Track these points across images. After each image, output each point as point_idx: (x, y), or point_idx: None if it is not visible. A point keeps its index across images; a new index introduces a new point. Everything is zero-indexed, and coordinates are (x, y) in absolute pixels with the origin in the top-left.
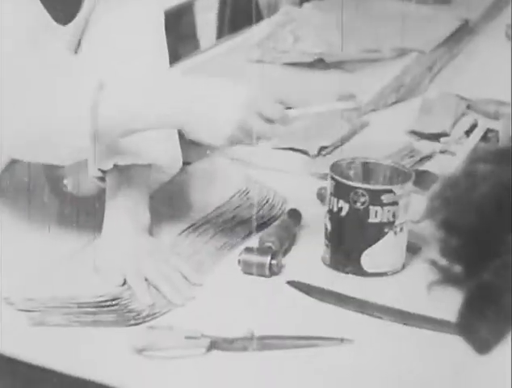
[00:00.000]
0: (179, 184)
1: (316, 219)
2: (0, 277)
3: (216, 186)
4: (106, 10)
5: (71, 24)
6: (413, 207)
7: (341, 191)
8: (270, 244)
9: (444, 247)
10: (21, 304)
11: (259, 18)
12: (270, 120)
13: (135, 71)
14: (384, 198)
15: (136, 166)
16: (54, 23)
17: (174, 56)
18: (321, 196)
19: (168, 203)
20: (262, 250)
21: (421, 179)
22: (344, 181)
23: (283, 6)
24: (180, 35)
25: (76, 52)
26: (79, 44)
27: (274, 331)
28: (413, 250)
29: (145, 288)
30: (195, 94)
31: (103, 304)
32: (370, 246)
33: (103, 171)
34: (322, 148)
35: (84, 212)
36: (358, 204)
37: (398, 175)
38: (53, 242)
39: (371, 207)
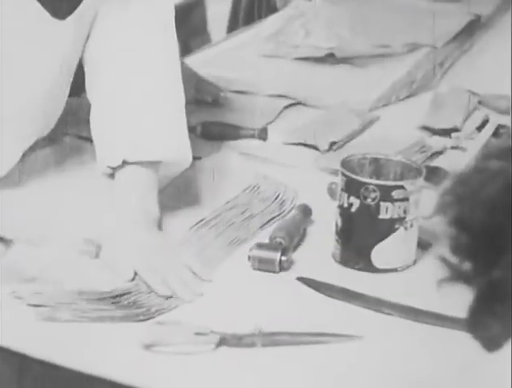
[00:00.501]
0: (189, 179)
1: (326, 215)
2: (9, 270)
3: (227, 181)
4: (113, 5)
5: (70, 18)
6: (424, 203)
7: (351, 186)
8: (280, 240)
9: (454, 244)
10: (30, 299)
11: (273, 10)
12: None
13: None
14: (395, 194)
15: (146, 161)
16: (52, 19)
17: (185, 50)
18: (331, 192)
19: (178, 198)
20: (272, 246)
21: (432, 174)
22: (355, 177)
23: (294, 0)
24: (191, 28)
25: (84, 47)
26: (87, 39)
27: (283, 327)
28: (423, 246)
29: (160, 281)
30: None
31: (112, 299)
32: (380, 242)
33: (112, 168)
34: (333, 143)
35: None
36: (369, 200)
37: (409, 170)
38: None
39: (381, 203)
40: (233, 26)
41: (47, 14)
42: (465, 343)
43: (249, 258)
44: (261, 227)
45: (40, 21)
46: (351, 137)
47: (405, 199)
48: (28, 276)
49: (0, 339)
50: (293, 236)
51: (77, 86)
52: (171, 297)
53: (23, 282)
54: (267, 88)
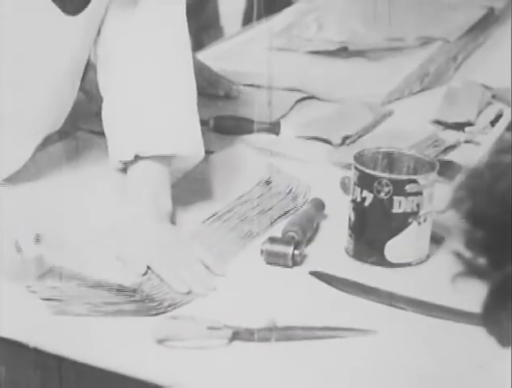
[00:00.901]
0: (202, 173)
1: (339, 209)
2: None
3: (239, 175)
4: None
5: (81, 14)
6: (438, 197)
7: (364, 180)
8: (293, 234)
9: (469, 239)
10: (43, 293)
11: (288, 4)
12: None
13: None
14: (408, 188)
15: (158, 156)
16: (63, 15)
17: (198, 44)
18: (344, 186)
19: (190, 192)
20: (284, 240)
21: (446, 168)
22: (368, 171)
23: None
24: (203, 22)
25: (95, 43)
26: (98, 34)
27: (296, 321)
28: (436, 240)
29: (174, 276)
30: None
31: (124, 294)
32: (393, 236)
33: (125, 162)
34: (346, 137)
35: None
36: (382, 194)
37: (422, 164)
38: None
39: (394, 197)
40: (248, 20)
41: (58, 11)
42: (479, 338)
43: (261, 252)
44: (274, 221)
45: (51, 17)
46: (364, 131)
47: (419, 193)
48: (41, 271)
49: (14, 333)
50: (306, 230)
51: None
52: (187, 293)
53: (36, 277)
54: (280, 82)
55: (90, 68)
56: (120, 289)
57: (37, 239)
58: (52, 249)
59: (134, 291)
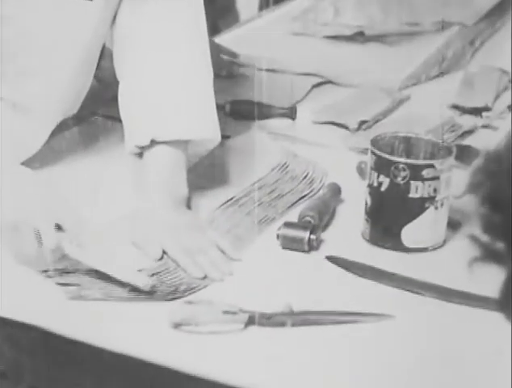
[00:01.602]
0: (218, 158)
1: (355, 194)
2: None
3: (256, 160)
4: None
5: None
6: (455, 182)
7: (381, 165)
8: (309, 219)
9: (486, 223)
10: (59, 278)
11: None
12: None
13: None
14: (425, 173)
15: (175, 141)
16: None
17: (214, 29)
18: (360, 171)
19: (206, 177)
20: (301, 225)
21: (463, 153)
22: (385, 155)
23: None
24: (220, 7)
25: (110, 29)
26: (114, 18)
27: (312, 306)
28: (453, 225)
29: (191, 262)
30: None
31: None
32: (410, 221)
33: (141, 147)
34: (363, 122)
35: None
36: (399, 179)
37: (439, 149)
38: None
39: (411, 182)
40: (264, 4)
41: None
42: (497, 323)
43: (277, 237)
44: (290, 206)
45: (68, 1)
46: (381, 116)
47: (436, 178)
48: (57, 256)
49: (30, 318)
50: (322, 215)
51: None
52: (204, 278)
53: (52, 262)
54: (296, 66)
55: (103, 56)
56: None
57: (58, 227)
58: (69, 235)
59: (150, 276)
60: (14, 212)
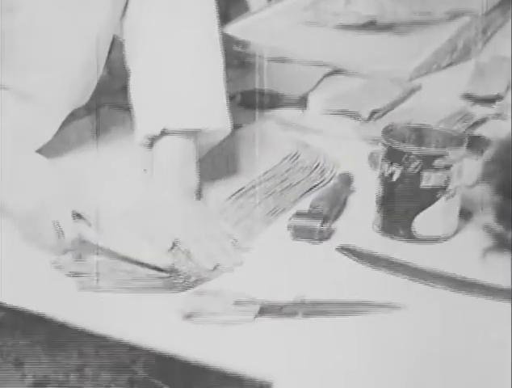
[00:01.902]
0: (228, 148)
1: (367, 184)
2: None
3: (266, 150)
4: None
5: None
6: (467, 172)
7: (393, 155)
8: (320, 209)
9: (500, 212)
10: (70, 268)
11: None
12: None
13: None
14: (437, 163)
15: (185, 130)
16: None
17: (224, 18)
18: (372, 161)
19: (217, 167)
20: (312, 215)
21: (475, 143)
22: (396, 145)
23: None
24: None
25: (121, 19)
26: (125, 9)
27: (323, 296)
28: (465, 215)
29: (202, 253)
30: None
31: (151, 270)
32: (422, 211)
33: (151, 137)
34: (374, 112)
35: None
36: (411, 169)
37: (451, 139)
38: None
39: (423, 172)
40: None
41: None
42: (510, 313)
43: (288, 227)
44: (301, 196)
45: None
46: (392, 106)
47: (447, 167)
48: (67, 247)
49: (42, 309)
50: (333, 205)
51: None
52: (214, 268)
53: (62, 252)
54: (307, 56)
55: (113, 46)
56: (147, 265)
57: (77, 216)
58: (87, 222)
59: (161, 266)
60: (31, 201)
